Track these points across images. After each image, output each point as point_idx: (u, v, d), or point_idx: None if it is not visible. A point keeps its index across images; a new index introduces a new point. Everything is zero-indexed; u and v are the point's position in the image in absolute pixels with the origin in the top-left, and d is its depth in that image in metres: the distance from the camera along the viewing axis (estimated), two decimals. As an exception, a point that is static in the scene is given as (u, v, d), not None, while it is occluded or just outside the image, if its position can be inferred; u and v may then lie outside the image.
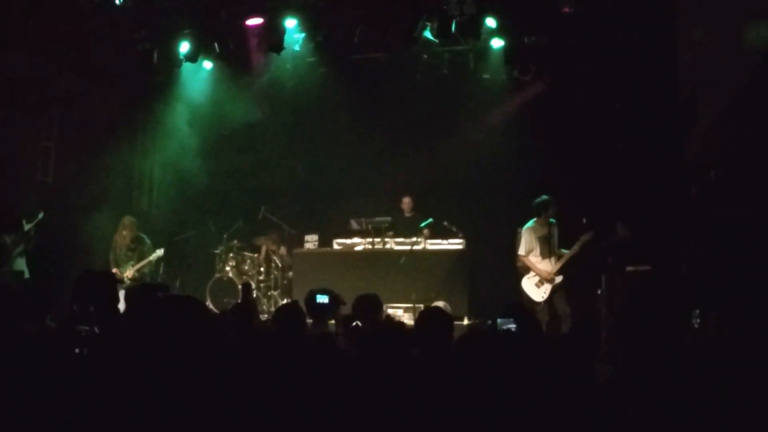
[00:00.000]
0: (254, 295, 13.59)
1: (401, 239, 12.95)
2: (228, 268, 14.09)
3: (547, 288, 11.38)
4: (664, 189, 11.20)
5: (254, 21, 12.99)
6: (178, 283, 13.72)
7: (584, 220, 11.48)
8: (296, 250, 13.73)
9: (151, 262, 12.91)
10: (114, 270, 12.57)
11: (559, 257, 11.44)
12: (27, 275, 12.07)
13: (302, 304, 7.03)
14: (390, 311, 11.66)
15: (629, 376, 4.58)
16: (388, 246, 12.96)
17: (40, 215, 12.46)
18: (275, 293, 14.04)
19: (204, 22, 13.15)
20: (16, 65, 11.93)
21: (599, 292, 10.79)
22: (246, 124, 14.29)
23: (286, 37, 12.94)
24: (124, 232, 12.90)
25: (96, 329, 4.83)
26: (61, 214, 12.82)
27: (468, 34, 12.35)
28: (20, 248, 12.25)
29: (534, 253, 11.48)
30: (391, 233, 13.16)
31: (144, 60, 13.31)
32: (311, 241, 13.61)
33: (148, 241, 13.10)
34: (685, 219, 10.40)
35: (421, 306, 11.18)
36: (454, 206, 13.43)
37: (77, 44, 12.70)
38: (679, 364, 4.34)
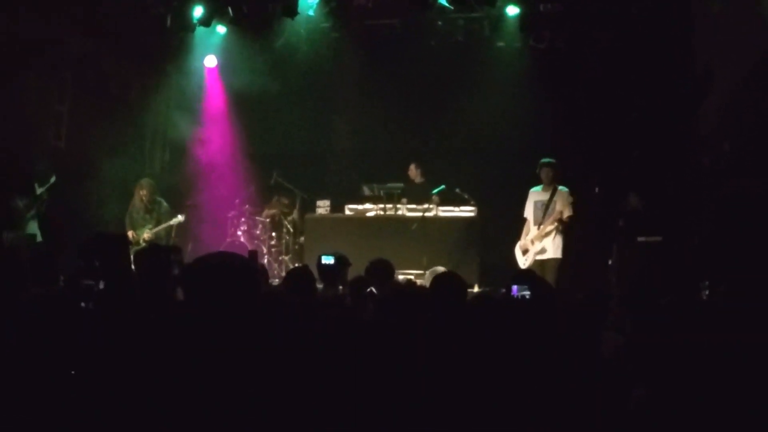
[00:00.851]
0: (265, 260, 13.68)
1: (413, 206, 12.94)
2: (239, 233, 14.12)
3: (529, 257, 11.22)
4: (677, 159, 11.15)
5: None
6: (189, 247, 13.74)
7: (596, 190, 11.45)
8: (308, 215, 13.76)
9: (171, 226, 12.98)
10: (129, 232, 12.62)
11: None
12: (39, 239, 12.13)
13: (313, 270, 7.08)
14: (401, 277, 11.68)
15: (637, 345, 4.60)
16: (399, 212, 12.96)
17: (53, 179, 12.48)
18: (286, 258, 14.08)
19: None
20: (28, 26, 11.91)
21: (610, 262, 10.81)
22: (259, 89, 14.26)
23: (300, 2, 12.90)
24: (142, 193, 12.89)
25: (101, 284, 4.88)
26: (74, 178, 12.85)
27: (483, 0, 12.27)
28: (33, 212, 12.30)
29: (530, 218, 11.39)
30: (405, 200, 13.15)
31: (157, 24, 13.28)
32: (323, 207, 13.62)
33: (165, 204, 13.13)
34: (697, 190, 10.37)
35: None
36: (466, 173, 13.39)
37: (90, 7, 12.69)
38: (687, 334, 4.35)
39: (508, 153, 13.43)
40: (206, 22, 13.33)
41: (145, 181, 13.11)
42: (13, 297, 4.70)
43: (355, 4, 13.28)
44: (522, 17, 12.67)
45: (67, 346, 3.84)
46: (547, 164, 11.21)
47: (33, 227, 12.27)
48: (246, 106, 14.77)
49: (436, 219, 12.64)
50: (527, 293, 5.11)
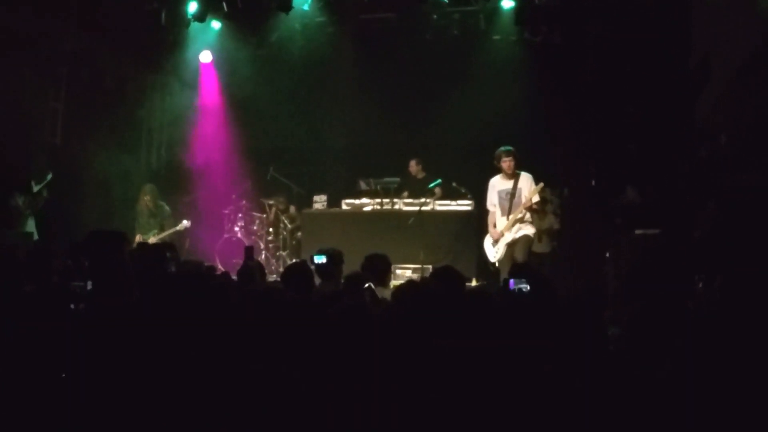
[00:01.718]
0: (263, 256, 13.69)
1: (410, 200, 12.94)
2: (237, 229, 14.13)
3: (500, 248, 10.99)
4: (674, 151, 11.13)
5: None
6: (187, 244, 13.76)
7: (593, 183, 11.44)
8: (305, 210, 13.75)
9: (177, 231, 13.13)
10: (138, 236, 12.87)
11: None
12: (36, 237, 12.13)
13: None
14: (398, 272, 11.68)
15: (633, 338, 4.60)
16: (396, 206, 12.95)
17: (49, 176, 12.50)
18: (284, 253, 14.09)
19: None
20: (23, 22, 11.89)
21: (607, 254, 10.81)
22: (254, 85, 14.26)
23: (295, -3, 12.91)
24: (146, 198, 13.16)
25: (89, 285, 4.86)
26: (70, 175, 12.84)
27: (478, -6, 12.29)
28: (29, 210, 12.30)
29: (497, 209, 11.10)
30: (405, 193, 13.16)
31: (152, 20, 13.26)
32: (320, 202, 13.61)
33: (167, 208, 13.37)
34: (694, 182, 10.36)
35: (429, 267, 11.20)
36: (463, 167, 13.36)
37: (85, 2, 12.68)
38: (683, 328, 4.34)
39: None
40: (201, 17, 13.33)
41: (148, 187, 13.33)
42: (8, 295, 4.70)
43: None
44: (517, 10, 12.67)
45: (55, 347, 3.82)
46: (508, 153, 10.88)
47: (30, 225, 12.27)
48: (241, 101, 14.78)
49: (434, 213, 12.62)
50: (525, 287, 5.11)
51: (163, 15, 13.30)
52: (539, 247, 13.50)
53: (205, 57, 14.58)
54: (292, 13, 13.08)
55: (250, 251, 7.28)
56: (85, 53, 12.92)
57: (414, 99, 14.36)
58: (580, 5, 12.37)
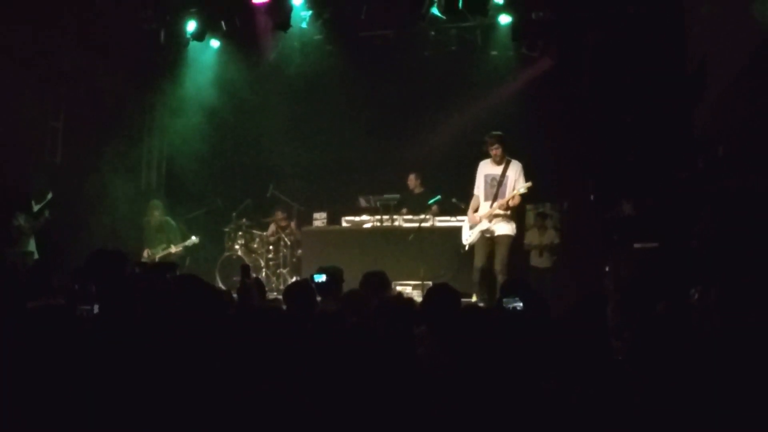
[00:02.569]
0: (263, 274, 13.69)
1: (410, 216, 12.95)
2: (237, 247, 14.15)
3: (475, 233, 11.00)
4: (671, 163, 11.13)
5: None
6: (187, 262, 13.76)
7: (591, 197, 11.44)
8: (305, 228, 13.76)
9: (186, 247, 13.31)
10: (145, 250, 13.08)
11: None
12: (36, 256, 12.13)
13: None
14: (398, 288, 11.67)
15: (634, 351, 4.59)
16: (396, 223, 12.96)
17: (49, 196, 12.51)
18: (284, 271, 14.08)
19: (211, 0, 13.14)
20: (22, 41, 11.94)
21: (607, 268, 10.80)
22: (253, 102, 14.31)
23: (293, 15, 12.94)
24: (155, 213, 13.38)
25: (95, 309, 4.85)
26: (70, 194, 12.86)
27: (475, 10, 12.28)
28: (30, 229, 12.31)
29: (480, 193, 11.13)
30: (404, 210, 13.17)
31: (151, 39, 13.31)
32: (320, 219, 13.64)
33: (173, 223, 13.54)
34: (692, 193, 10.36)
35: (430, 283, 11.18)
36: (462, 183, 13.38)
37: (84, 22, 12.72)
38: (682, 339, 4.34)
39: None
40: (200, 36, 13.38)
41: (154, 202, 13.57)
42: (8, 313, 4.70)
43: (348, 16, 13.30)
44: (514, 26, 12.68)
45: (58, 370, 3.81)
46: (499, 138, 10.92)
47: (31, 244, 12.27)
48: (241, 119, 14.82)
49: (433, 229, 12.61)
50: (518, 304, 5.11)
51: (162, 34, 13.37)
52: (540, 262, 13.54)
53: (205, 75, 14.61)
54: (290, 31, 13.13)
55: (246, 270, 7.22)
56: (84, 72, 12.94)
57: (413, 115, 14.40)
58: (577, 19, 12.41)
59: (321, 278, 7.35)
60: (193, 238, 13.31)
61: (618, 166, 11.95)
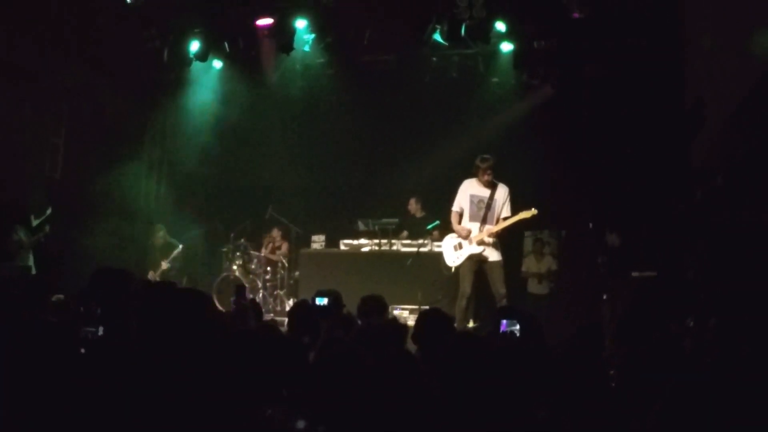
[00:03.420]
0: (260, 295, 13.68)
1: (408, 241, 12.95)
2: (235, 267, 14.12)
3: (461, 254, 10.90)
4: (670, 193, 11.15)
5: (264, 21, 13.05)
6: (185, 281, 13.75)
7: (590, 225, 11.45)
8: (303, 250, 13.76)
9: (175, 258, 13.59)
10: (150, 273, 13.32)
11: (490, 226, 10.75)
12: (34, 271, 12.14)
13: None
14: (396, 312, 11.65)
15: (627, 378, 4.59)
16: (394, 247, 12.96)
17: (48, 211, 12.53)
18: (281, 293, 14.08)
19: (214, 21, 13.21)
20: (24, 57, 11.99)
21: (604, 297, 10.80)
22: (255, 124, 14.36)
23: (296, 38, 13.00)
24: (159, 235, 13.78)
25: (100, 330, 4.81)
26: (69, 210, 12.87)
27: (477, 37, 12.33)
28: (29, 244, 12.33)
29: (465, 213, 10.97)
30: (405, 233, 13.17)
31: (154, 58, 13.36)
32: (318, 242, 13.64)
33: (177, 243, 13.87)
34: (690, 224, 10.38)
35: (427, 308, 11.15)
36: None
37: (87, 39, 12.80)
38: (678, 366, 4.34)
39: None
40: (202, 56, 13.43)
41: (158, 226, 13.91)
42: (4, 328, 4.68)
43: (351, 40, 13.37)
44: (516, 53, 12.75)
45: (58, 389, 3.80)
46: (485, 162, 10.85)
47: (29, 259, 12.28)
48: (242, 140, 14.85)
49: (432, 254, 12.59)
50: (516, 328, 5.11)
51: (165, 53, 13.41)
52: (538, 289, 13.53)
53: (207, 96, 14.70)
54: (293, 53, 13.18)
55: (240, 290, 7.18)
56: (86, 89, 13.01)
57: (413, 140, 14.43)
58: (578, 49, 12.47)
59: (323, 301, 7.33)
60: (179, 246, 13.46)
61: (617, 194, 11.97)
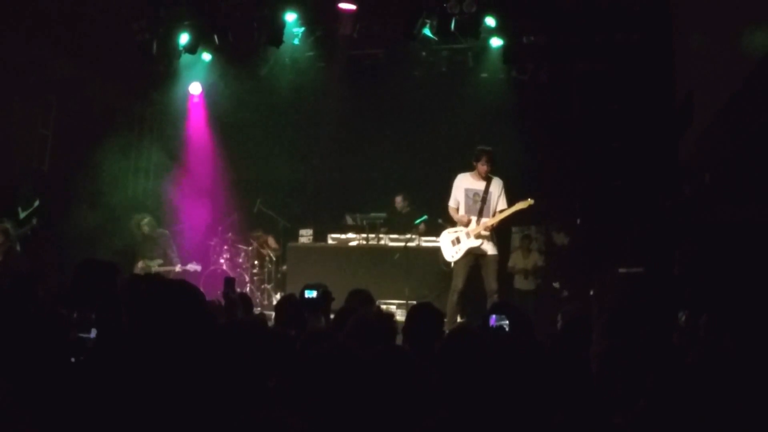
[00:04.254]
0: (248, 288, 13.65)
1: (395, 235, 12.94)
2: (222, 261, 14.10)
3: (460, 249, 10.79)
4: (658, 189, 11.19)
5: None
6: (172, 275, 13.70)
7: (578, 221, 11.47)
8: (290, 244, 13.75)
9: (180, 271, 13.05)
10: (140, 261, 12.78)
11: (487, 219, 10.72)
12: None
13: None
14: (383, 307, 11.64)
15: (614, 372, 4.61)
16: (382, 242, 12.97)
17: (36, 203, 12.46)
18: (269, 286, 14.06)
19: (204, 14, 13.16)
20: (13, 49, 11.93)
21: (591, 293, 10.83)
22: (243, 117, 14.32)
23: (286, 31, 12.96)
24: (143, 223, 12.99)
25: (93, 334, 4.75)
26: (57, 202, 12.81)
27: (467, 32, 12.34)
28: (16, 236, 12.25)
29: (461, 207, 10.92)
30: (385, 229, 13.15)
31: (143, 50, 13.30)
32: (306, 236, 13.62)
33: (167, 233, 13.31)
34: (678, 219, 10.42)
35: (415, 302, 11.14)
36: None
37: (75, 31, 12.73)
38: (667, 362, 4.36)
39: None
40: (192, 49, 13.37)
41: (140, 216, 13.16)
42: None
43: (340, 34, 13.36)
44: (505, 49, 12.76)
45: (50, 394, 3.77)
46: (488, 153, 10.82)
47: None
48: (230, 133, 14.82)
49: (419, 249, 12.60)
50: (506, 323, 5.10)
51: (155, 45, 13.34)
52: (524, 285, 13.55)
53: (195, 89, 14.63)
54: (282, 47, 13.15)
55: (230, 283, 7.08)
56: (74, 82, 12.93)
57: (401, 134, 14.44)
58: (567, 45, 12.50)
59: (312, 294, 7.30)
60: (195, 265, 13.13)
61: (605, 189, 12.00)
